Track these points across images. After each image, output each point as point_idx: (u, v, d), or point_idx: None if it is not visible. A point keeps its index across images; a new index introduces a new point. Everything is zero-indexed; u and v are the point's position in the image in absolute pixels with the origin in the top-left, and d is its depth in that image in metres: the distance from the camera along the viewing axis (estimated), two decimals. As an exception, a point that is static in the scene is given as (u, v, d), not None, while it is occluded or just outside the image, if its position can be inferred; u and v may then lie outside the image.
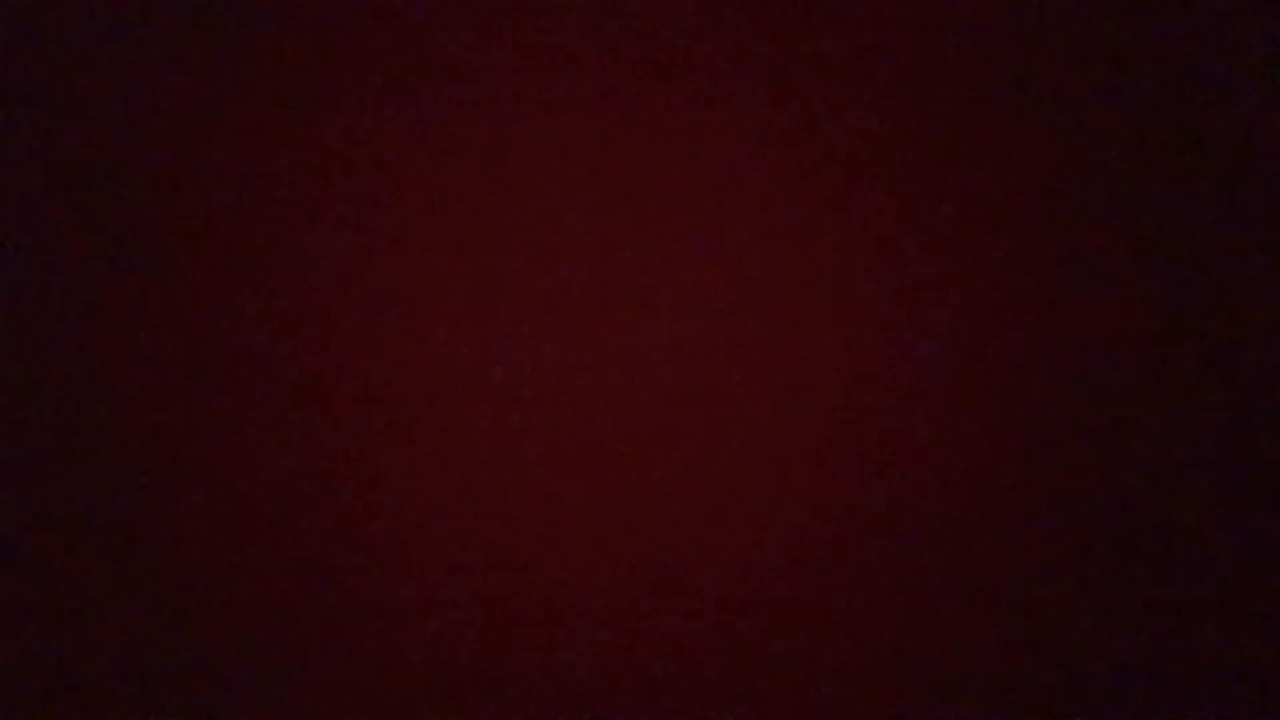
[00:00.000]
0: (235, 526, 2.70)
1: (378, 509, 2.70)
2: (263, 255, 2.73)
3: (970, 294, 2.72)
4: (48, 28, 2.76)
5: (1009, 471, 2.70)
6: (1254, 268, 2.72)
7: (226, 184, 2.74)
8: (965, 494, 2.70)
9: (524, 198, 2.75)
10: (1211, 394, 2.71)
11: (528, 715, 2.69)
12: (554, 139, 2.75)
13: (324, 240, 2.74)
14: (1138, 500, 2.70)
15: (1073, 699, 2.68)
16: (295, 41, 2.76)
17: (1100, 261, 2.72)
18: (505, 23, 2.76)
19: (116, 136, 2.75)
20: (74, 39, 2.76)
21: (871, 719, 2.68)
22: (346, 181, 2.74)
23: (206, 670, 2.69)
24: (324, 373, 2.72)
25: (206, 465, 2.71)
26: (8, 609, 2.69)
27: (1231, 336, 2.71)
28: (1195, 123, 2.74)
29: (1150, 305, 2.72)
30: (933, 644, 2.68)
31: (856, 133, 2.74)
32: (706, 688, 2.69)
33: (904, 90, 2.74)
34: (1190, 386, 2.71)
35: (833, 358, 2.71)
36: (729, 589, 2.69)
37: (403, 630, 2.69)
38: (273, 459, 2.71)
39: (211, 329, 2.72)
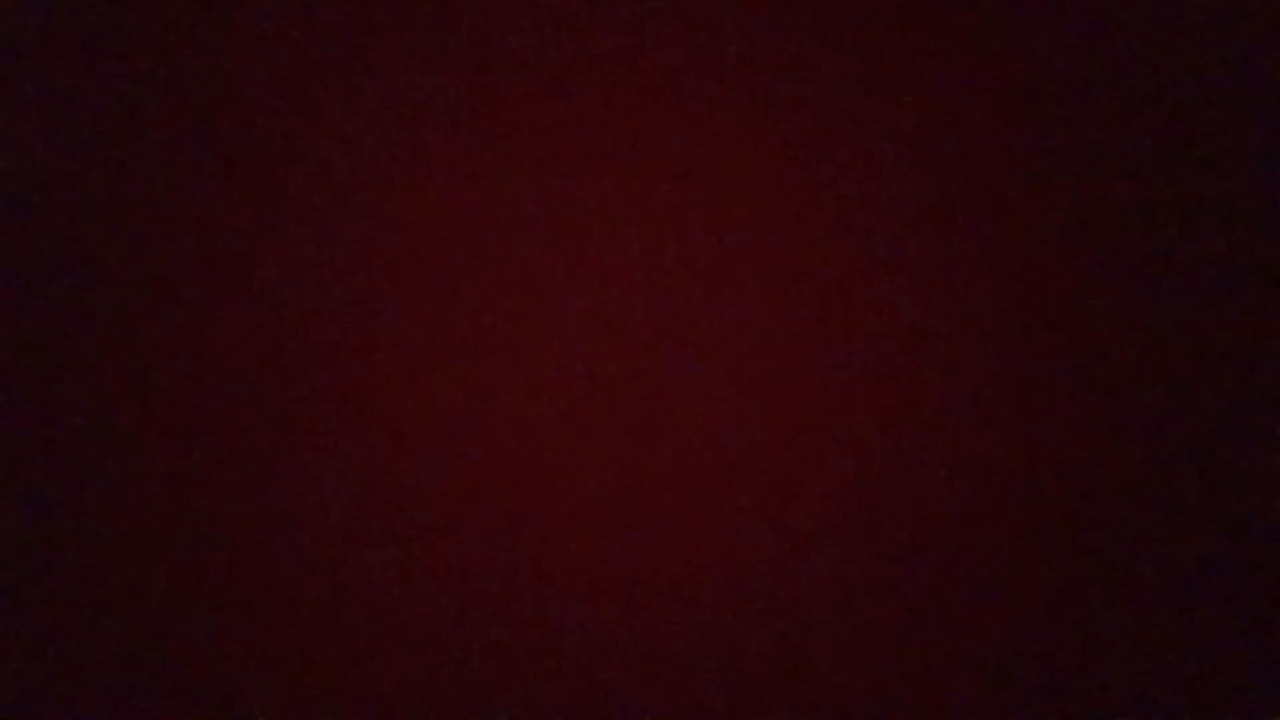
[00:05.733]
0: (235, 526, 2.70)
1: (378, 509, 2.71)
2: (263, 256, 2.74)
3: (970, 295, 2.72)
4: (48, 28, 2.76)
5: (1008, 471, 2.70)
6: (1254, 268, 2.72)
7: (227, 184, 2.74)
8: (964, 494, 2.70)
9: (525, 199, 2.75)
10: (1212, 395, 2.71)
11: (528, 714, 2.69)
12: (556, 140, 2.75)
13: (325, 240, 2.74)
14: (1135, 501, 2.70)
15: (1070, 698, 2.68)
16: (297, 42, 2.76)
17: (1102, 263, 2.73)
18: (507, 23, 2.76)
19: (117, 137, 2.75)
20: (75, 39, 2.76)
21: (869, 716, 2.68)
22: (348, 183, 2.75)
23: (205, 670, 2.69)
24: (325, 372, 2.72)
25: (206, 465, 2.71)
26: (8, 609, 2.70)
27: (1232, 337, 2.71)
28: (1196, 123, 2.74)
29: (1150, 307, 2.72)
30: (931, 643, 2.68)
31: (857, 134, 2.74)
32: (705, 686, 2.69)
33: (906, 91, 2.74)
34: (1190, 388, 2.71)
35: (832, 358, 2.72)
36: (727, 587, 2.70)
37: (402, 629, 2.69)
38: (273, 458, 2.71)
39: (212, 329, 2.73)
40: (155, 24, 2.76)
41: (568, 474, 2.71)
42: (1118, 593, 2.68)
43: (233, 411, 2.72)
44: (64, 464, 2.71)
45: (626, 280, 2.73)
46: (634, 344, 2.73)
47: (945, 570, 2.69)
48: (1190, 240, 2.72)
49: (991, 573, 2.69)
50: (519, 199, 2.75)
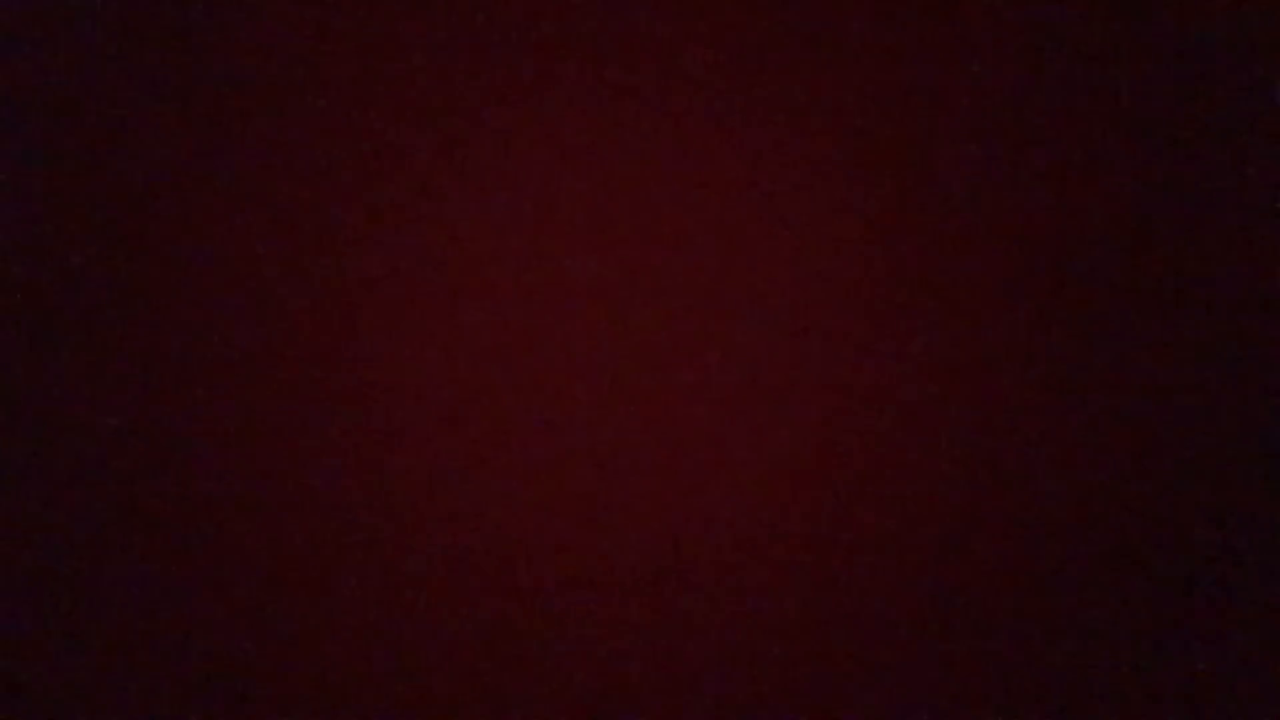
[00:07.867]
0: (234, 526, 2.71)
1: (378, 510, 2.71)
2: (263, 255, 2.74)
3: (968, 297, 2.73)
4: (48, 27, 2.77)
5: (1005, 476, 2.70)
6: (1254, 269, 2.72)
7: (224, 182, 2.75)
8: (963, 498, 2.70)
9: (524, 198, 2.75)
10: (1210, 399, 2.71)
11: (526, 715, 2.69)
12: (555, 140, 2.75)
13: (324, 240, 2.74)
14: (1133, 507, 2.70)
15: (1067, 703, 2.69)
16: (298, 41, 2.76)
17: (1100, 263, 2.73)
18: (507, 24, 2.77)
19: (118, 136, 2.75)
20: (75, 38, 2.77)
21: (868, 714, 2.69)
22: (347, 181, 2.75)
23: (202, 670, 2.70)
24: (324, 372, 2.73)
25: (206, 465, 2.71)
26: (8, 609, 2.70)
27: (1231, 338, 2.71)
28: (1195, 125, 2.74)
29: (1148, 308, 2.72)
30: (928, 649, 2.69)
31: (856, 134, 2.74)
32: (704, 685, 2.69)
33: (903, 90, 2.75)
34: (1189, 392, 2.71)
35: (830, 360, 2.72)
36: (724, 590, 2.70)
37: (401, 631, 2.70)
38: (273, 459, 2.71)
39: (211, 329, 2.73)
40: (155, 22, 2.77)
41: (567, 471, 2.71)
42: (1117, 593, 2.68)
43: (230, 409, 2.72)
44: (63, 463, 2.71)
45: (624, 279, 2.74)
46: (632, 342, 2.73)
47: (945, 570, 2.69)
48: (1190, 240, 2.73)
49: (991, 573, 2.69)
50: (514, 197, 2.75)
